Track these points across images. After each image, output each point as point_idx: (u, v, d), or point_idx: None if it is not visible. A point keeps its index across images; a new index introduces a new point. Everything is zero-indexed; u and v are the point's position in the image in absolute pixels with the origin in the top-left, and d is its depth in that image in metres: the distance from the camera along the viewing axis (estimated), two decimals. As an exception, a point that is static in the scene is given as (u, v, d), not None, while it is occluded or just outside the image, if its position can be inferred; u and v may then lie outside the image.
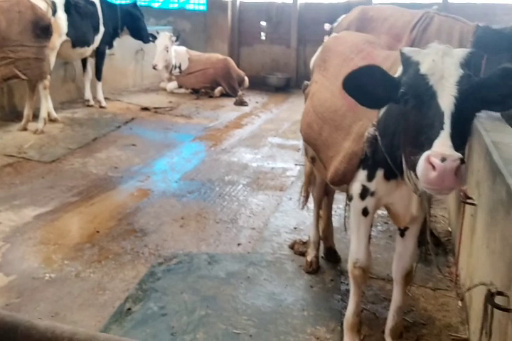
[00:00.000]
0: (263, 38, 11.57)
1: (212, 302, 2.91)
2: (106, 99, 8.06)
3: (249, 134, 7.04)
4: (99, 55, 7.64)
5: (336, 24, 4.73)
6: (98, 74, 7.79)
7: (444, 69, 1.78)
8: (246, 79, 10.24)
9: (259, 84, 10.62)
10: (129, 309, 2.80)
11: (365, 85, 1.93)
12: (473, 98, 1.78)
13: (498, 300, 1.92)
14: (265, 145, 6.49)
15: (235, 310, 2.85)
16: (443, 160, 1.56)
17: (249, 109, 8.72)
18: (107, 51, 7.85)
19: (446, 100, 1.72)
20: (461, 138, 1.72)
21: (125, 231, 3.79)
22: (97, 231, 3.75)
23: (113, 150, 5.83)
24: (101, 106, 7.80)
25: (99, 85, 7.83)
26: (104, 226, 3.85)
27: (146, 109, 8.05)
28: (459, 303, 2.93)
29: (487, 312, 1.99)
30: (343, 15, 4.75)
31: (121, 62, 9.42)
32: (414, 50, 1.93)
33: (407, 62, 1.91)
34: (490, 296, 1.95)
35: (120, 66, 9.40)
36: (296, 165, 5.59)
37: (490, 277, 2.22)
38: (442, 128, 1.66)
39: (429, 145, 1.66)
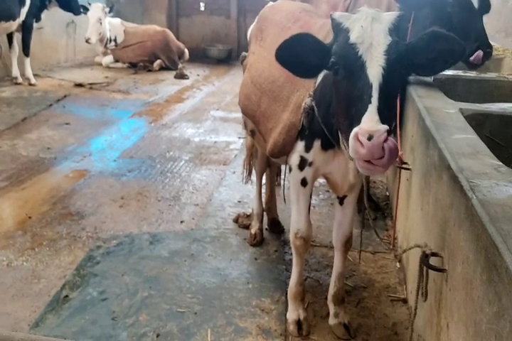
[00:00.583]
0: (202, 8, 11.22)
1: (155, 282, 2.84)
2: (35, 75, 7.64)
3: (190, 108, 6.86)
4: (26, 29, 7.21)
5: None
6: (26, 50, 7.36)
7: (372, 37, 1.73)
8: (186, 51, 9.94)
9: (199, 57, 10.34)
10: (66, 296, 2.68)
11: (297, 54, 1.88)
12: (402, 65, 1.76)
13: (433, 260, 1.96)
14: (207, 119, 6.35)
15: (178, 289, 2.79)
16: (370, 138, 1.57)
17: (190, 83, 8.49)
18: (35, 25, 7.42)
19: (375, 71, 1.69)
20: (389, 108, 1.72)
21: (60, 215, 3.60)
22: (29, 217, 3.54)
23: (45, 130, 5.50)
24: (30, 84, 7.39)
25: (28, 61, 7.42)
26: (36, 211, 3.64)
27: (80, 85, 7.67)
28: (397, 265, 3.03)
29: (422, 274, 2.04)
30: None
31: (51, 36, 8.91)
32: (344, 16, 1.86)
33: (337, 28, 1.84)
34: (424, 258, 1.99)
35: (50, 40, 8.89)
36: (239, 138, 5.51)
37: (424, 238, 2.27)
38: (370, 102, 1.64)
39: (358, 120, 1.65)
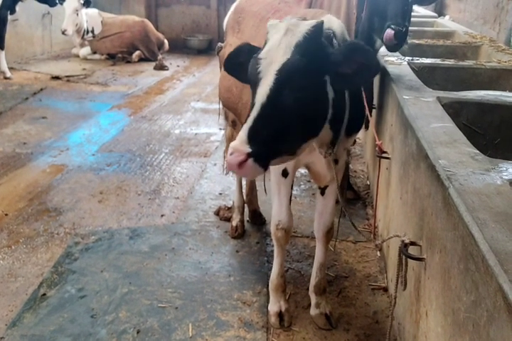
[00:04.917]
0: (181, -2, 11.03)
1: (135, 278, 2.80)
2: (11, 69, 7.47)
3: (170, 100, 6.77)
4: (0, 22, 6.95)
5: None
6: (0, 43, 7.15)
7: (275, 53, 1.71)
8: (166, 42, 9.79)
9: (179, 47, 10.22)
10: (44, 294, 2.62)
11: (241, 64, 1.88)
12: (296, 84, 1.68)
13: (412, 249, 1.96)
14: (188, 111, 6.27)
15: (159, 284, 2.75)
16: (231, 154, 1.63)
17: (170, 74, 8.37)
18: (9, 17, 7.23)
19: (262, 90, 1.67)
20: (273, 128, 1.67)
21: (37, 211, 3.53)
22: (6, 214, 3.46)
23: (21, 125, 5.37)
24: (5, 77, 7.23)
25: (2, 54, 7.25)
26: (13, 208, 3.56)
27: (57, 77, 7.52)
28: (378, 254, 3.04)
29: (402, 263, 2.04)
30: None
31: (27, 28, 8.70)
32: (274, 24, 1.82)
33: (266, 37, 1.81)
34: (403, 247, 1.99)
35: (25, 32, 8.68)
36: (220, 129, 5.46)
37: (404, 227, 2.27)
38: (246, 122, 1.66)
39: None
